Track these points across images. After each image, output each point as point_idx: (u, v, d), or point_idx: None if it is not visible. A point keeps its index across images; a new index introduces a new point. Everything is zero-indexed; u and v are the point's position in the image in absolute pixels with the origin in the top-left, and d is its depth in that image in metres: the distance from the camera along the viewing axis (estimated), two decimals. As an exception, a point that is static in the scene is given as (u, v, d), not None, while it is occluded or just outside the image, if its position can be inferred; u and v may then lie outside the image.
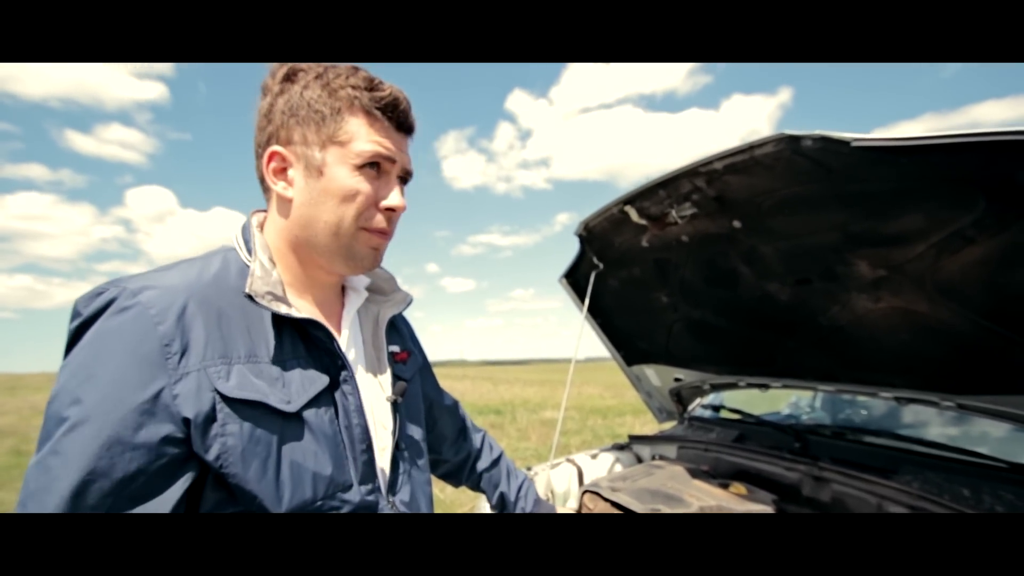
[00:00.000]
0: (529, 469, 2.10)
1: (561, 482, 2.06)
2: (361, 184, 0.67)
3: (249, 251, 0.69)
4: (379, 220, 0.70)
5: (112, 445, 0.50)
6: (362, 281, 0.84)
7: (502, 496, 1.18)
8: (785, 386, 1.92)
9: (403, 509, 0.74)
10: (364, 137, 0.67)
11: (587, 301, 2.04)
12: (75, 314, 0.56)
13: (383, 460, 0.73)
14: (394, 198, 0.70)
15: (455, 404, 1.16)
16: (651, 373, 2.45)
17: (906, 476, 1.42)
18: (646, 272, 1.92)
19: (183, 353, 0.56)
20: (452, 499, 4.26)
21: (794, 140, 1.08)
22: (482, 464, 1.17)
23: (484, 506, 1.82)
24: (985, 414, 1.35)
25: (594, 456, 2.25)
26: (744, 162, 1.22)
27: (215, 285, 0.63)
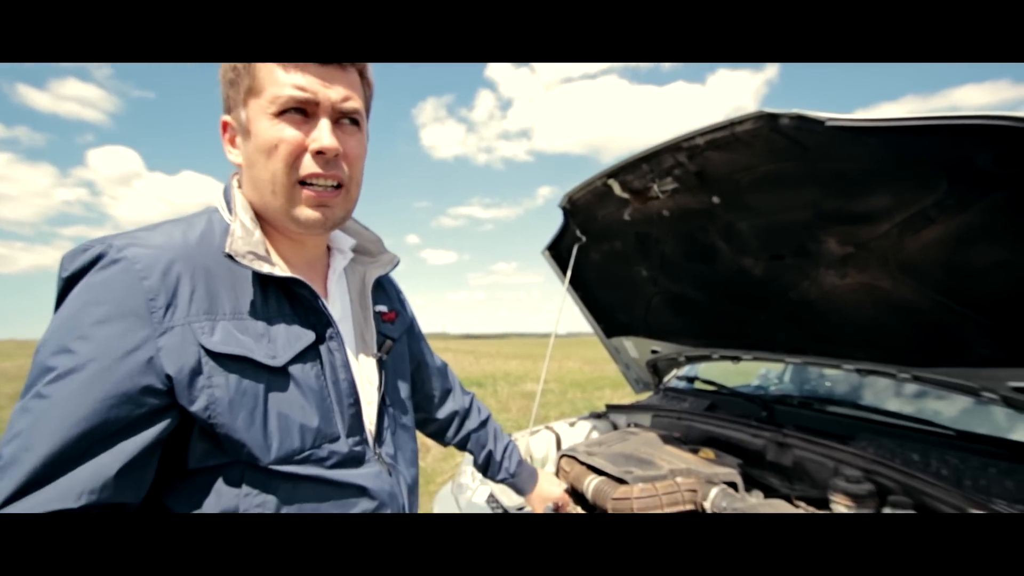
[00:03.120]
0: (509, 436, 2.17)
1: (540, 448, 2.14)
2: (283, 131, 0.64)
3: (231, 212, 0.69)
4: (311, 165, 0.65)
5: (96, 393, 0.52)
6: (347, 242, 0.85)
7: (488, 455, 1.24)
8: (756, 358, 2.00)
9: (388, 461, 0.77)
10: (277, 81, 0.63)
11: (569, 273, 2.08)
12: (62, 269, 0.58)
13: (369, 414, 0.76)
14: (321, 137, 0.65)
15: (444, 366, 1.20)
16: (629, 345, 2.52)
17: (862, 442, 1.52)
18: (628, 246, 1.96)
19: (168, 308, 0.57)
20: (432, 468, 4.36)
21: (772, 118, 1.11)
22: (470, 424, 1.22)
23: (466, 471, 1.89)
24: (938, 385, 1.43)
25: (572, 424, 2.33)
26: (725, 138, 1.25)
27: (200, 245, 0.64)
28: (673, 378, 2.63)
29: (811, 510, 1.43)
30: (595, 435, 2.26)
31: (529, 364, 17.54)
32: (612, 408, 2.42)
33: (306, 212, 0.67)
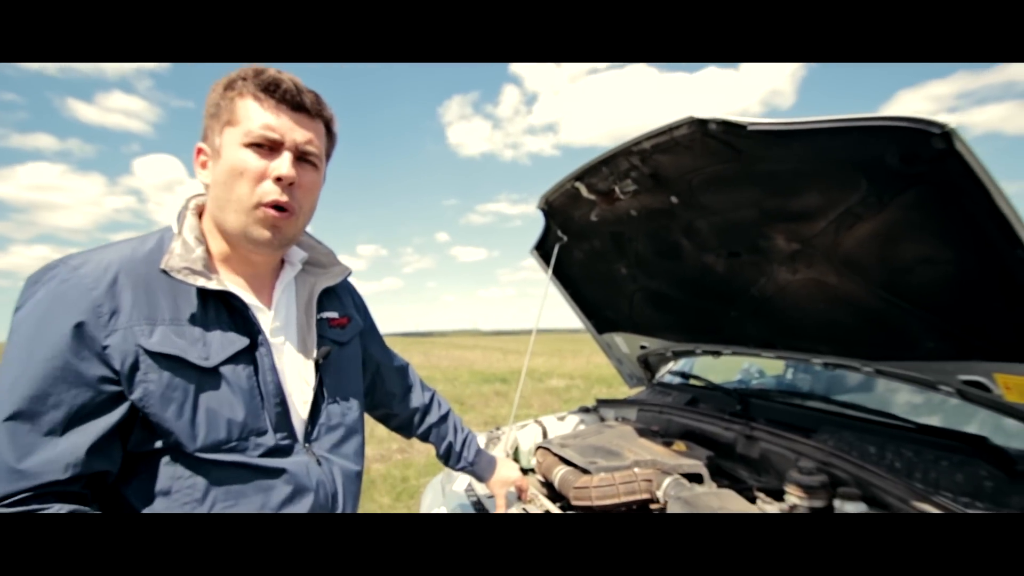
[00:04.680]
0: (497, 428, 2.26)
1: (527, 440, 2.22)
2: (249, 158, 0.74)
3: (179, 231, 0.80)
4: (271, 189, 0.76)
5: (56, 382, 0.64)
6: (298, 255, 0.95)
7: (449, 446, 1.34)
8: (734, 353, 2.02)
9: (324, 454, 0.86)
10: (251, 117, 0.74)
11: (550, 270, 2.14)
12: (28, 284, 0.70)
13: (301, 411, 0.85)
14: (280, 167, 0.75)
15: (405, 366, 1.30)
16: (620, 341, 2.56)
17: (824, 435, 1.54)
18: (605, 244, 2.01)
19: (112, 314, 0.69)
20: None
21: (702, 123, 1.16)
22: (431, 419, 1.32)
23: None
24: (898, 379, 1.44)
25: (561, 418, 2.40)
26: (667, 143, 1.29)
27: (147, 260, 0.75)
28: (666, 373, 2.66)
29: (771, 501, 1.47)
30: (581, 428, 2.33)
31: (556, 360, 17.56)
32: (602, 403, 2.48)
33: (259, 231, 0.78)
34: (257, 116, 0.75)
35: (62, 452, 0.64)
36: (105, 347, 0.67)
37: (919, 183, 0.96)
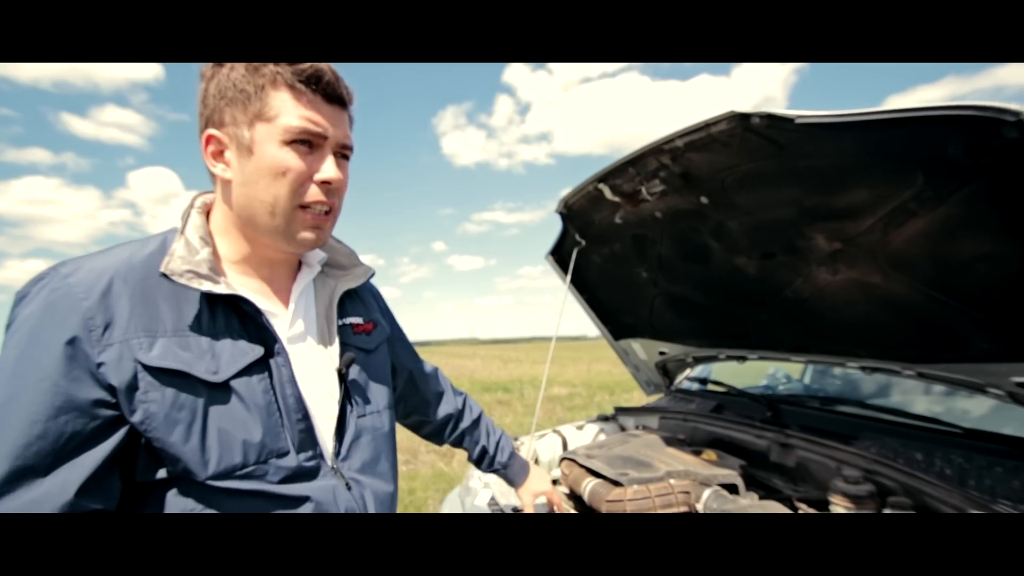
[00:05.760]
0: (516, 439, 2.19)
1: (547, 451, 2.15)
2: (291, 160, 0.68)
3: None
4: (315, 193, 0.70)
5: (48, 410, 0.56)
6: (316, 256, 0.87)
7: (483, 450, 1.29)
8: (761, 358, 1.97)
9: (354, 475, 0.77)
10: (290, 112, 0.67)
11: (569, 276, 2.09)
12: (16, 298, 0.62)
13: (327, 428, 0.76)
14: (328, 170, 0.70)
15: (435, 370, 1.24)
16: (637, 347, 2.51)
17: (866, 442, 1.48)
18: (625, 248, 1.96)
19: (106, 327, 0.60)
20: (456, 473, 4.41)
21: (744, 118, 1.11)
22: (464, 424, 1.26)
23: (473, 475, 1.92)
24: (942, 382, 1.39)
25: (580, 427, 2.33)
26: (702, 139, 1.25)
27: (146, 264, 0.66)
28: (684, 379, 2.60)
29: (814, 512, 1.41)
30: (602, 438, 2.26)
31: (556, 368, 17.47)
32: (620, 411, 2.42)
33: (303, 233, 0.72)
34: (296, 111, 0.68)
35: (45, 493, 0.55)
36: (99, 364, 0.59)
37: (983, 176, 0.92)
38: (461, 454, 5.03)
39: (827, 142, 1.05)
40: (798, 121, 1.02)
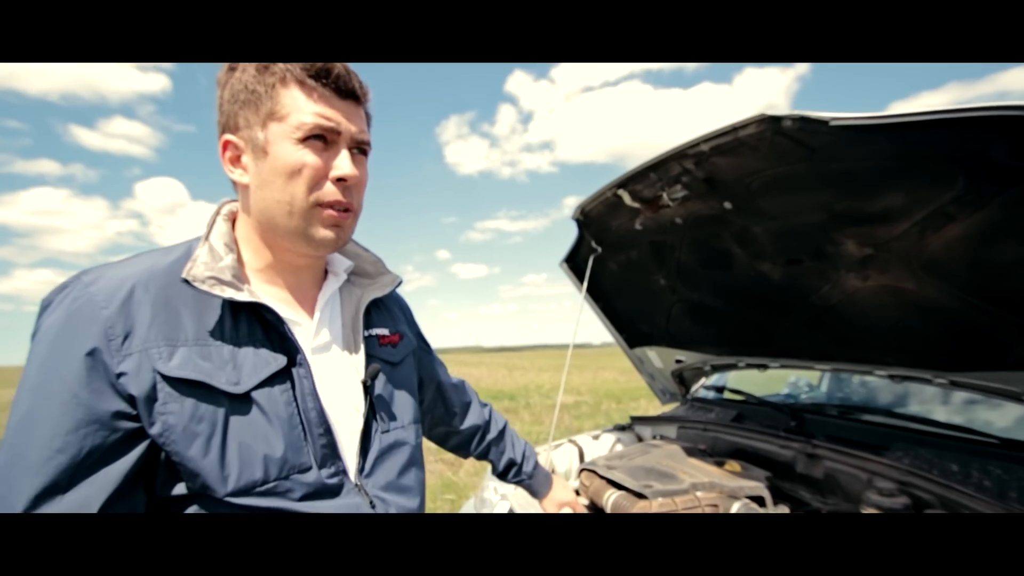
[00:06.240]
0: (525, 441, 2.15)
1: (563, 462, 2.12)
2: (306, 157, 0.66)
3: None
4: (332, 191, 0.68)
5: (69, 423, 0.54)
6: (342, 264, 0.85)
7: (509, 461, 1.26)
8: (783, 366, 1.93)
9: (378, 493, 0.74)
10: (302, 108, 0.65)
11: (585, 284, 2.06)
12: (41, 307, 0.61)
13: (351, 442, 0.73)
14: (343, 166, 0.68)
15: (462, 383, 1.22)
16: (653, 355, 2.47)
17: (897, 452, 1.44)
18: (643, 255, 1.94)
19: (126, 336, 0.58)
20: (464, 483, 4.36)
21: (775, 121, 1.09)
22: (491, 435, 1.24)
23: (489, 486, 1.89)
24: (977, 390, 1.35)
25: (596, 437, 2.29)
26: (729, 143, 1.23)
27: (169, 272, 0.64)
28: (701, 388, 2.56)
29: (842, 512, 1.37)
30: (619, 448, 2.22)
31: (561, 376, 17.41)
32: (637, 420, 2.38)
33: (322, 232, 0.69)
34: (308, 108, 0.66)
35: (67, 508, 0.53)
36: (119, 375, 0.57)
37: (1030, 178, 0.89)
38: (468, 463, 5.03)
39: (861, 144, 1.03)
40: (833, 123, 1.00)
